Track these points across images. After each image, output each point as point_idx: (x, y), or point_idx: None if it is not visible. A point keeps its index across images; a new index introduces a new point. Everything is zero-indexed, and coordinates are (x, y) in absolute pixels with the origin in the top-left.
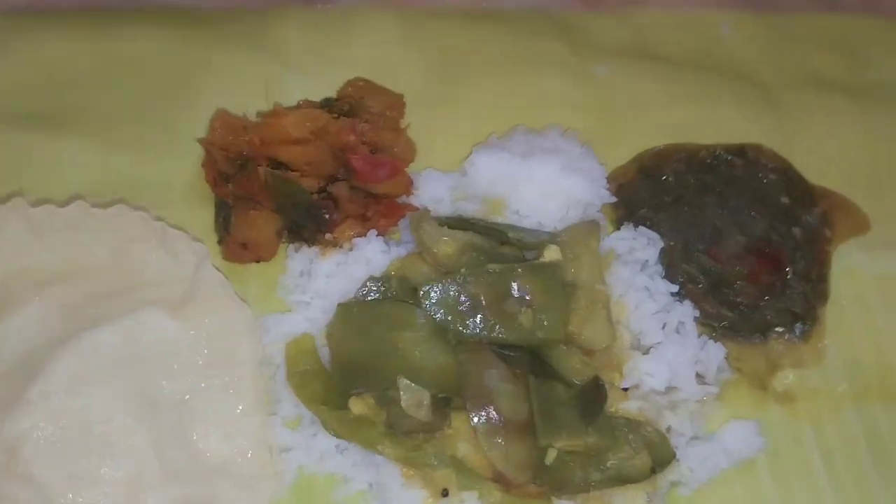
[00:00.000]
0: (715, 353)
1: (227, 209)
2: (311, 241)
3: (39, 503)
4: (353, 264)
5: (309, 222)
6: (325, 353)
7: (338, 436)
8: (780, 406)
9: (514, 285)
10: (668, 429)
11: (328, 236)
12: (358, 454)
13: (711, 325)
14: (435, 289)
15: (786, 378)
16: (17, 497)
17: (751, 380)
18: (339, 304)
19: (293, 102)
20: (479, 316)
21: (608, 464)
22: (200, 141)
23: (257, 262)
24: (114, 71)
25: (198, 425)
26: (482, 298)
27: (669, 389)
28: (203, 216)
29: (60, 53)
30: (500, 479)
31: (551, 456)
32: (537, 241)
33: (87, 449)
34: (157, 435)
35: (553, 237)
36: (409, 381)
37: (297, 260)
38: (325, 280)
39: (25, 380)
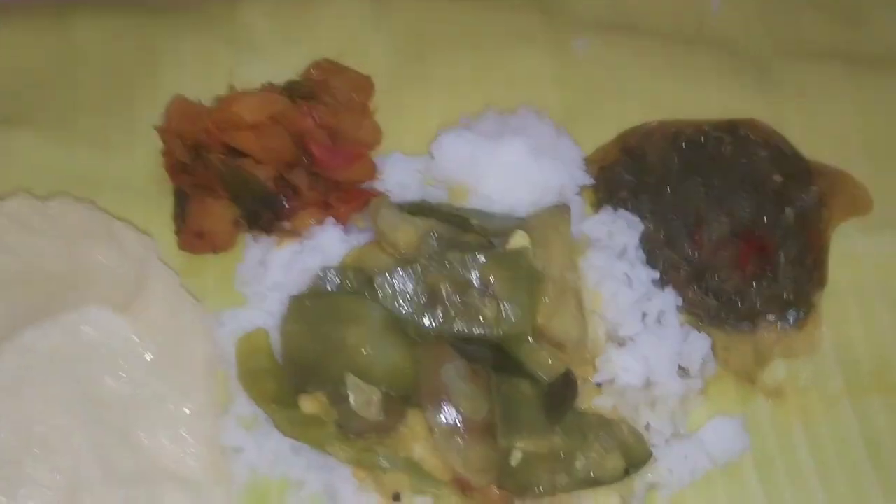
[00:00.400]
0: (699, 344)
1: (185, 199)
2: (269, 230)
3: None
4: (309, 254)
5: (266, 210)
6: (280, 349)
7: (288, 436)
8: (768, 401)
9: (476, 274)
10: (647, 426)
11: (287, 225)
12: (312, 456)
13: (696, 314)
14: (390, 279)
15: (776, 371)
16: None
17: (738, 373)
18: (291, 297)
19: (258, 88)
20: (437, 308)
21: (577, 465)
22: (157, 128)
23: (214, 252)
24: (72, 63)
25: (144, 426)
26: (441, 289)
27: (648, 385)
28: (165, 208)
29: (16, 46)
30: (459, 483)
31: (516, 458)
32: (503, 227)
33: (22, 450)
34: (99, 436)
35: (521, 223)
36: (357, 379)
37: (255, 250)
38: (282, 271)
39: None
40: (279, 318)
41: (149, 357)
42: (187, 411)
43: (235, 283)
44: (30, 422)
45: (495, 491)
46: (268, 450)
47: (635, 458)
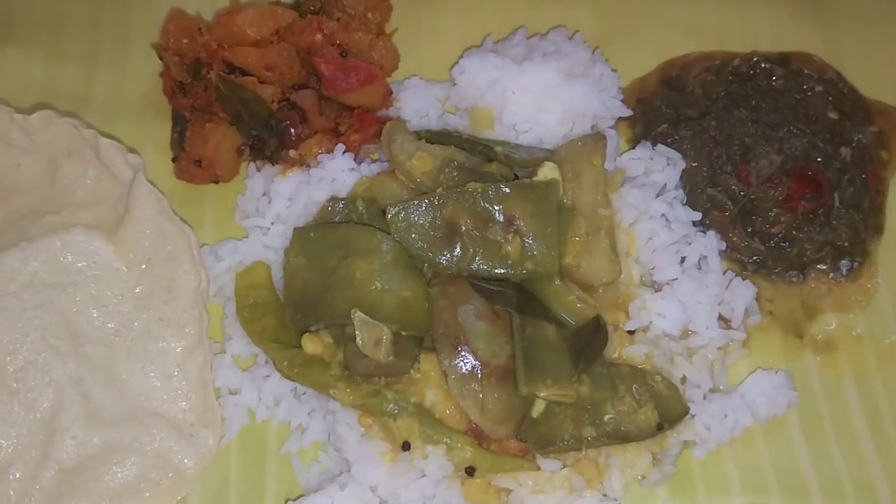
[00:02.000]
0: (743, 292)
1: (184, 123)
2: (274, 159)
3: None
4: (317, 185)
5: (270, 136)
6: (283, 285)
7: (289, 378)
8: (817, 356)
9: (500, 208)
10: (683, 379)
11: (293, 153)
12: (314, 400)
13: (740, 260)
14: (404, 210)
15: (827, 324)
16: None
17: (784, 325)
18: (296, 229)
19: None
20: (456, 243)
21: (605, 418)
22: (153, 45)
23: (214, 182)
24: None
25: (131, 363)
26: (461, 223)
27: (685, 334)
28: (160, 133)
29: None
30: (475, 433)
31: (538, 408)
32: (530, 158)
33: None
34: (81, 372)
35: (550, 154)
36: (365, 316)
37: (258, 180)
38: (286, 203)
39: None
40: (282, 252)
41: (137, 289)
42: (178, 348)
43: (235, 216)
44: (7, 353)
45: (514, 443)
46: (266, 393)
47: (670, 412)
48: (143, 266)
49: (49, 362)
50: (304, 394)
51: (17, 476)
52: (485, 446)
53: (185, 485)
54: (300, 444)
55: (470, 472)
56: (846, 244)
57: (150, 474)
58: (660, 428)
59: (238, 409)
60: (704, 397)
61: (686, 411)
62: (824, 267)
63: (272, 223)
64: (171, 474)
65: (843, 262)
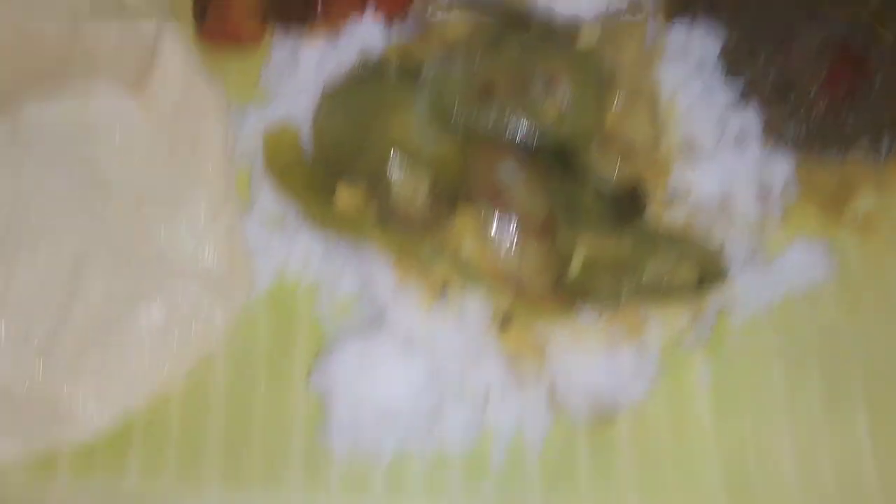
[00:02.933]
0: (781, 167)
1: None
2: (300, 24)
3: None
4: (345, 49)
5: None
6: (311, 146)
7: (322, 229)
8: (856, 234)
9: (540, 67)
10: (721, 247)
11: (320, 17)
12: (346, 256)
13: (779, 136)
14: (440, 66)
15: (865, 203)
16: None
17: (822, 203)
18: (326, 86)
19: None
20: (492, 103)
21: (644, 275)
22: None
23: (238, 43)
24: None
25: (157, 218)
26: (498, 81)
27: (724, 204)
28: None
29: None
30: (512, 287)
31: (577, 261)
32: (569, 27)
33: (25, 224)
34: (109, 221)
35: (589, 25)
36: (403, 164)
37: (284, 46)
38: (313, 69)
39: None
40: (308, 118)
41: (162, 143)
42: (205, 203)
43: (260, 82)
44: (31, 198)
45: (551, 298)
46: (296, 252)
47: (710, 270)
48: (168, 121)
49: (76, 207)
50: (333, 251)
51: (43, 310)
52: (522, 300)
53: (213, 339)
54: (331, 298)
55: (507, 321)
56: (887, 124)
57: (179, 326)
58: (700, 286)
59: (267, 267)
60: (742, 265)
61: (726, 272)
62: (864, 147)
63: (298, 90)
64: (199, 328)
65: (884, 141)
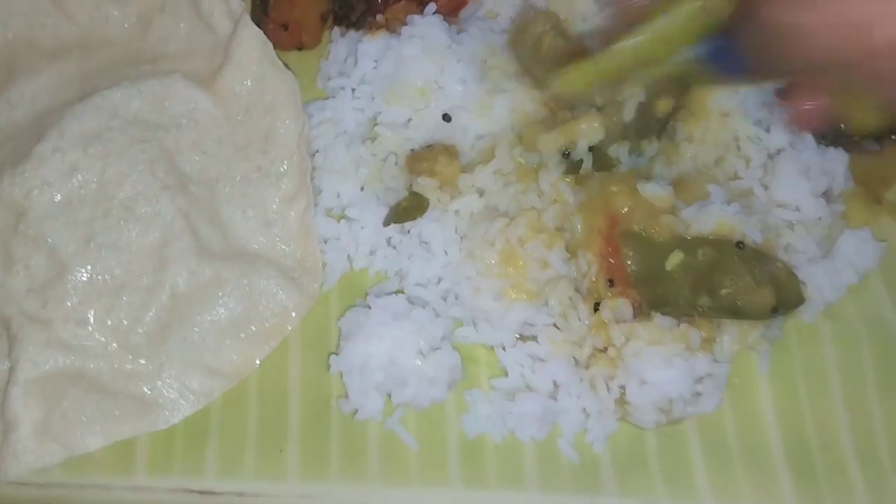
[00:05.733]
0: (837, 160)
1: None
2: (359, 25)
3: (53, 269)
4: (406, 43)
5: (358, 1)
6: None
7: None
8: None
9: None
10: (787, 247)
11: (379, 17)
12: (413, 247)
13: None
14: None
15: None
16: (28, 261)
17: (863, 192)
18: None
19: None
20: None
21: (723, 291)
22: None
23: (299, 49)
24: None
25: (232, 207)
26: None
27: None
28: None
29: None
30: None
31: (674, 261)
32: None
33: (108, 213)
34: (189, 209)
35: None
36: None
37: (343, 44)
38: (372, 63)
39: (37, 138)
40: (369, 113)
41: (235, 138)
42: (277, 196)
43: (318, 81)
44: (115, 184)
45: (635, 295)
46: (362, 242)
47: (787, 298)
48: (241, 116)
49: (157, 195)
50: (401, 242)
51: (128, 300)
52: (614, 286)
53: (288, 326)
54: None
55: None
56: None
57: (256, 312)
58: (775, 311)
59: (338, 256)
60: (809, 261)
61: (802, 301)
62: None
63: (358, 84)
64: (275, 315)
65: None
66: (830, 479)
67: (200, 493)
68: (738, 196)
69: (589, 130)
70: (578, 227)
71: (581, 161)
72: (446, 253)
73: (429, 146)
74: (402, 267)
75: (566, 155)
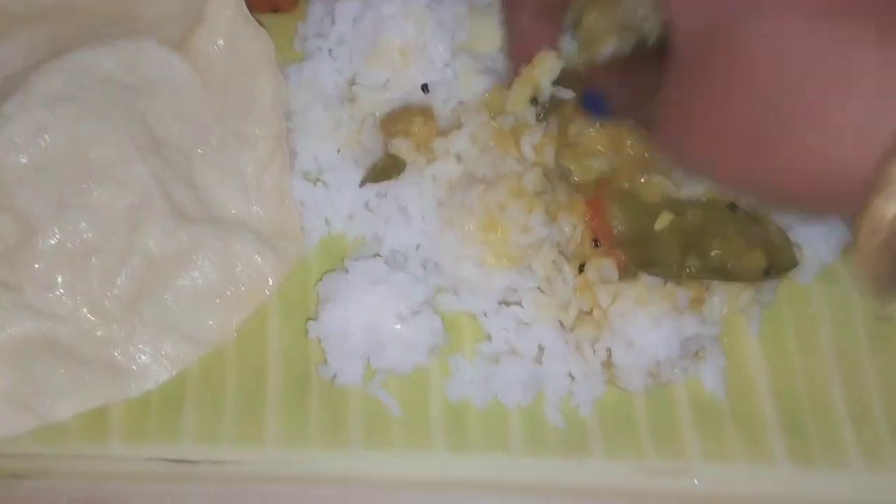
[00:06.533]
0: None
1: None
2: None
3: (21, 232)
4: (385, 2)
5: None
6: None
7: None
8: None
9: None
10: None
11: None
12: (391, 209)
13: None
14: None
15: None
16: None
17: None
18: None
19: None
20: None
21: (712, 253)
22: None
23: (274, 10)
24: None
25: (208, 172)
26: None
27: None
28: None
29: None
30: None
31: (664, 220)
32: None
33: (79, 175)
34: (164, 173)
35: None
36: None
37: (320, 5)
38: (350, 23)
39: (2, 98)
40: (348, 73)
41: (210, 102)
42: (254, 161)
43: (295, 43)
44: (86, 145)
45: (621, 255)
46: (339, 206)
47: (779, 260)
48: (216, 80)
49: (131, 157)
50: (378, 206)
51: (99, 264)
52: (597, 246)
53: (266, 292)
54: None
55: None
56: None
57: (232, 278)
58: (766, 274)
59: (316, 219)
60: (806, 227)
61: (795, 264)
62: None
63: (336, 45)
64: (252, 280)
65: None
66: (822, 439)
67: (177, 461)
68: None
69: (545, 68)
70: (561, 189)
71: (553, 100)
72: (423, 219)
73: (404, 107)
74: (380, 231)
75: (534, 102)
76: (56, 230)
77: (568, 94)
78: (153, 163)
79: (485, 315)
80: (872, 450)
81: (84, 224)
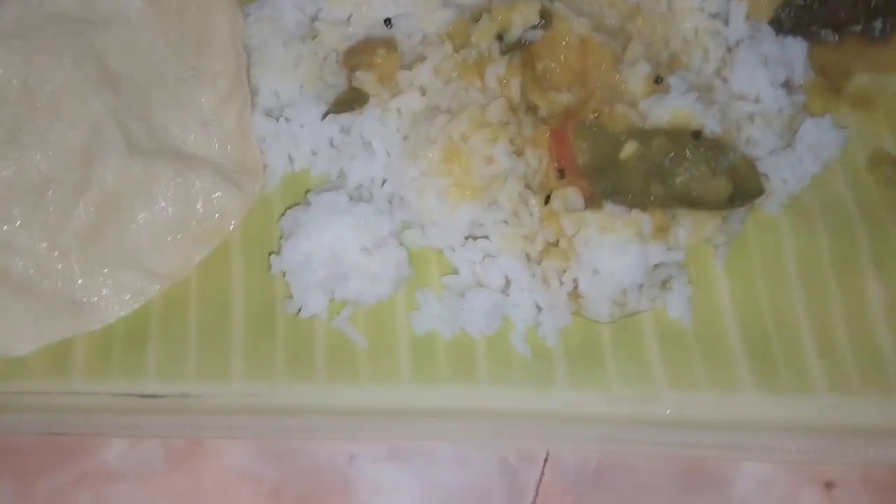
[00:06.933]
0: (797, 50)
1: None
2: None
3: None
4: None
5: None
6: None
7: None
8: (854, 111)
9: None
10: (748, 140)
11: None
12: (355, 147)
13: (777, 20)
14: None
15: (861, 81)
16: None
17: (825, 82)
18: None
19: None
20: None
21: (677, 180)
22: None
23: None
24: None
25: (166, 109)
26: None
27: (743, 96)
28: None
29: None
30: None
31: (630, 149)
32: None
33: (32, 109)
34: (118, 107)
35: None
36: None
37: None
38: None
39: None
40: (312, 10)
41: (167, 37)
42: (213, 97)
43: None
44: (40, 79)
45: (586, 185)
46: (303, 142)
47: (744, 187)
48: (171, 14)
49: (84, 90)
50: (342, 142)
51: (55, 196)
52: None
53: (228, 227)
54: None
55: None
56: (880, 4)
57: (193, 213)
58: (731, 201)
59: (278, 156)
60: (770, 153)
61: (761, 191)
62: (858, 28)
63: None
64: (213, 215)
65: (877, 22)
66: (789, 365)
67: (142, 396)
68: (698, 90)
69: (525, 17)
70: (527, 124)
71: (519, 41)
72: (388, 153)
73: (366, 38)
74: (345, 167)
75: (500, 38)
76: (11, 163)
77: (537, 37)
78: (107, 97)
79: (452, 249)
80: (837, 374)
81: (38, 156)
